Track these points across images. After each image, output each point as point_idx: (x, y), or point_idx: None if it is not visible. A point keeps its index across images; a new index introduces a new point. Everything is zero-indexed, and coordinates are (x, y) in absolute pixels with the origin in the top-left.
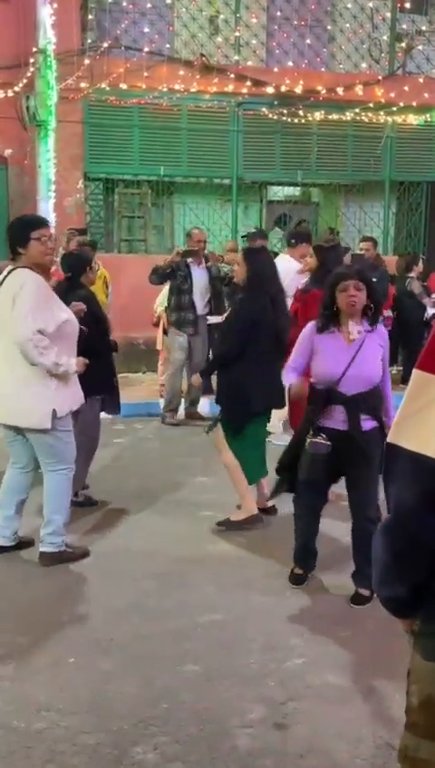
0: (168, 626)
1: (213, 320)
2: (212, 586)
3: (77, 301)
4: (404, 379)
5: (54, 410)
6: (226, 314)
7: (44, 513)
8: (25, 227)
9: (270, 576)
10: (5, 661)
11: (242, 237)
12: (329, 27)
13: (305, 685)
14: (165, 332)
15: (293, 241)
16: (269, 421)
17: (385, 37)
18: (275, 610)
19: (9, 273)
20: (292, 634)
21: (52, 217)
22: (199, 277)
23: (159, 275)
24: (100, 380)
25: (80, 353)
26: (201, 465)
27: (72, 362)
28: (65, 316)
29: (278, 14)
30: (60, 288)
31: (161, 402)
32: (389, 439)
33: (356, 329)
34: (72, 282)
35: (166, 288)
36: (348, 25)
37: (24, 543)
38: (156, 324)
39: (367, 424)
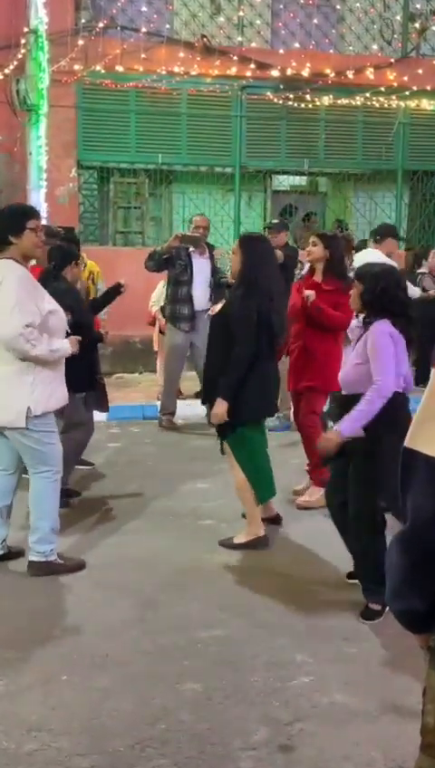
0: (166, 641)
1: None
2: (213, 600)
3: (53, 293)
4: (418, 380)
5: (29, 408)
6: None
7: (30, 520)
8: (21, 216)
9: (274, 589)
10: None
11: (263, 229)
12: (338, 6)
13: (312, 704)
14: (161, 332)
15: (378, 237)
16: (263, 429)
17: (398, 17)
18: (280, 626)
19: None
20: (297, 651)
21: (43, 208)
22: (201, 268)
23: (155, 261)
24: (80, 377)
25: None
26: (201, 471)
27: (66, 343)
28: (50, 307)
29: None
30: (40, 280)
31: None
32: (406, 443)
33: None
34: (55, 274)
35: (160, 284)
36: (358, 5)
37: (13, 553)
38: (151, 324)
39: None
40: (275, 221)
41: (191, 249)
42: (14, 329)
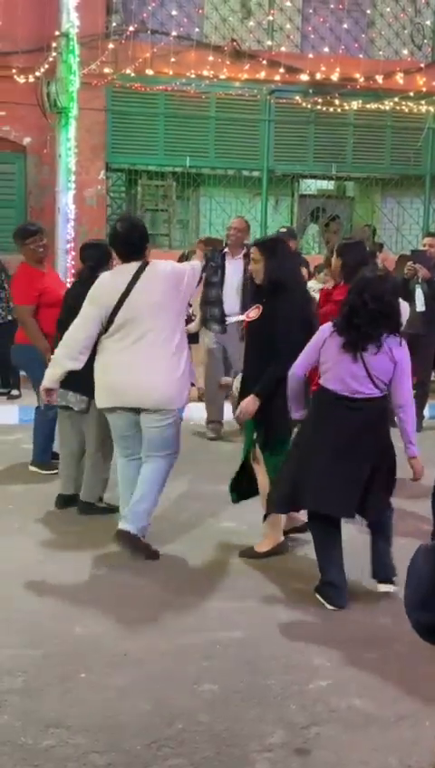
0: (184, 642)
1: (232, 319)
2: (232, 601)
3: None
4: None
5: (186, 390)
6: (249, 317)
7: (137, 496)
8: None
9: (293, 593)
10: (14, 674)
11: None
12: (368, 11)
13: (329, 708)
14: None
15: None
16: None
17: (428, 22)
18: (299, 629)
19: (144, 266)
20: (316, 655)
21: (71, 210)
22: (233, 271)
23: None
24: None
25: None
26: (224, 474)
27: None
28: None
29: None
30: (79, 280)
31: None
32: None
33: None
34: (93, 272)
35: None
36: (389, 9)
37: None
38: None
39: None
40: (283, 229)
41: (226, 250)
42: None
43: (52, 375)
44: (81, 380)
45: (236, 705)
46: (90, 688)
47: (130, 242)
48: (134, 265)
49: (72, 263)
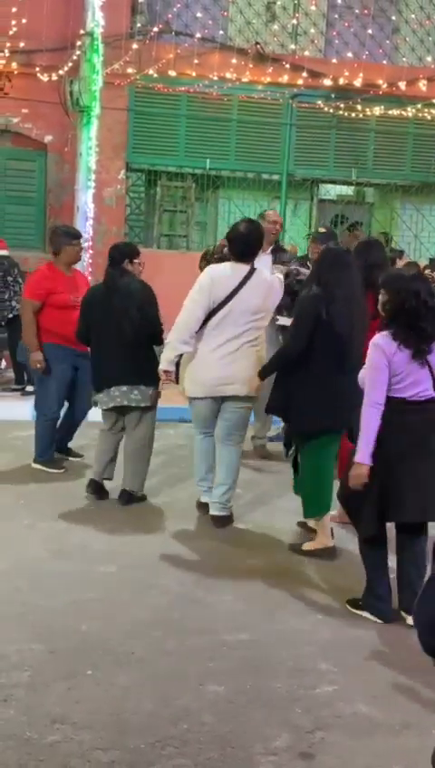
0: (191, 643)
1: (283, 321)
2: (241, 603)
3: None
4: None
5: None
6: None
7: (219, 479)
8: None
9: (301, 597)
10: (21, 669)
11: (306, 236)
12: (393, 17)
13: (335, 714)
14: None
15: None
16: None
17: None
18: (306, 634)
19: (253, 270)
20: (322, 660)
21: (91, 209)
22: (263, 265)
23: (208, 262)
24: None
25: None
26: (240, 480)
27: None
28: None
29: (339, 1)
30: (107, 280)
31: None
32: None
33: None
34: (115, 272)
35: None
36: (414, 16)
37: None
38: None
39: None
40: (323, 230)
41: None
42: None
43: (167, 358)
44: (145, 374)
45: (241, 707)
46: (96, 685)
47: (248, 243)
48: (245, 267)
49: (90, 261)
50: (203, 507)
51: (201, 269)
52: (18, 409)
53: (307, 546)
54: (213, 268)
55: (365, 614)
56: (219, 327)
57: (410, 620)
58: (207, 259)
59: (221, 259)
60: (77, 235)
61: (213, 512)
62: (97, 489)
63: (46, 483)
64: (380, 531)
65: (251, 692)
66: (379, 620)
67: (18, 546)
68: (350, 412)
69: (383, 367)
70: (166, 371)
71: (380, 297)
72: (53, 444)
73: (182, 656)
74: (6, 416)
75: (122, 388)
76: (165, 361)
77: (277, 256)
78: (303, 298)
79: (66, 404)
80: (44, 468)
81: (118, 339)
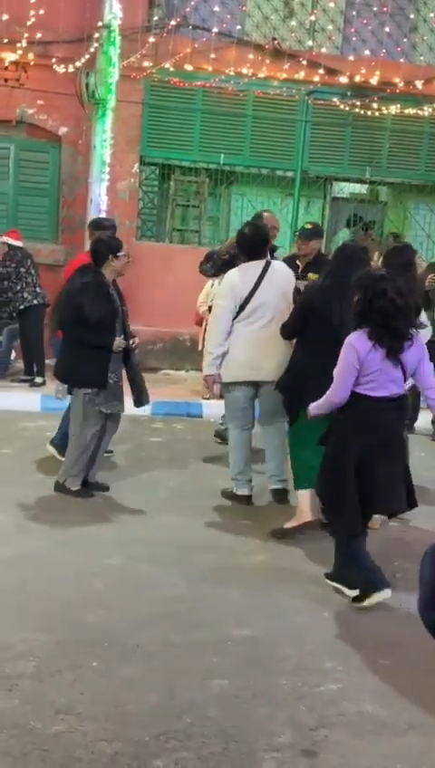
0: (197, 637)
1: None
2: (246, 599)
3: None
4: None
5: None
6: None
7: (271, 457)
8: None
9: (308, 594)
10: (26, 659)
11: (293, 233)
12: (412, 16)
13: (339, 712)
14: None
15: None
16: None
17: None
18: (311, 631)
19: (268, 264)
20: (328, 657)
21: (104, 201)
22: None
23: (213, 264)
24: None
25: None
26: None
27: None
28: None
29: None
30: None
31: (204, 404)
32: None
33: None
34: (87, 269)
35: (208, 284)
36: (432, 15)
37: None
38: (199, 323)
39: None
40: (309, 225)
41: None
42: None
43: (207, 364)
44: (62, 369)
45: (245, 702)
46: (100, 677)
47: (256, 243)
48: (260, 263)
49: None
50: (239, 498)
51: (203, 271)
52: (27, 400)
53: (287, 525)
54: (231, 273)
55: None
56: (253, 317)
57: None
58: (213, 259)
59: (231, 260)
60: (108, 227)
61: (272, 486)
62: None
63: (53, 473)
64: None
65: (256, 688)
66: (383, 590)
67: (24, 537)
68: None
69: (353, 369)
70: (207, 377)
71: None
72: None
73: (187, 649)
74: (15, 406)
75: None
76: (205, 367)
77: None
78: (305, 289)
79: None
80: (56, 454)
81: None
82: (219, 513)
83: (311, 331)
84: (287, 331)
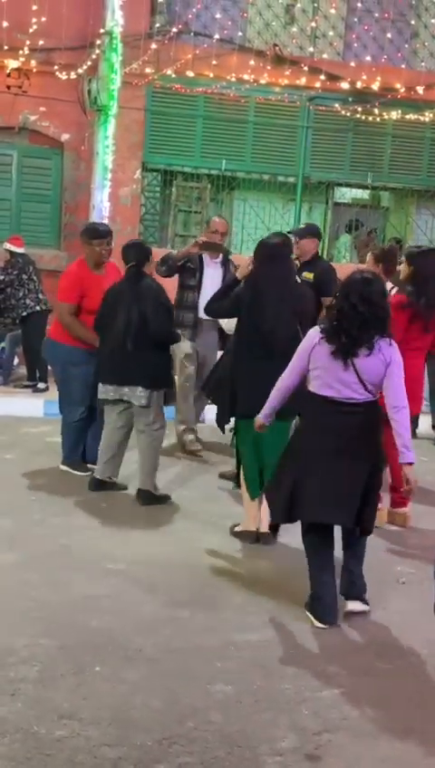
0: (200, 642)
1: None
2: (249, 604)
3: (147, 290)
4: None
5: None
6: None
7: None
8: None
9: None
10: (29, 663)
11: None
12: (413, 22)
13: (342, 716)
14: None
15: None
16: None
17: None
18: (314, 636)
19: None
20: (330, 662)
21: (106, 207)
22: (212, 275)
23: (168, 267)
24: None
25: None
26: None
27: None
28: None
29: (359, 5)
30: (126, 279)
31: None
32: None
33: None
34: (137, 272)
35: None
36: (434, 21)
37: None
38: None
39: None
40: (302, 226)
41: (204, 253)
42: None
43: None
44: (144, 375)
45: (248, 707)
46: (104, 682)
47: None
48: None
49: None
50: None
51: (159, 273)
52: (30, 406)
53: (236, 528)
54: None
55: (307, 614)
56: None
57: (350, 606)
58: (168, 264)
59: (185, 265)
60: (99, 234)
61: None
62: (97, 486)
63: (58, 479)
64: (324, 533)
65: (258, 692)
66: (317, 624)
67: (29, 541)
68: (260, 400)
69: (302, 354)
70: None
71: None
72: (80, 446)
73: (190, 654)
74: (18, 412)
75: (116, 385)
76: None
77: (228, 267)
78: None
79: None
80: (70, 470)
81: (125, 336)
82: (223, 518)
83: (240, 336)
84: (213, 305)
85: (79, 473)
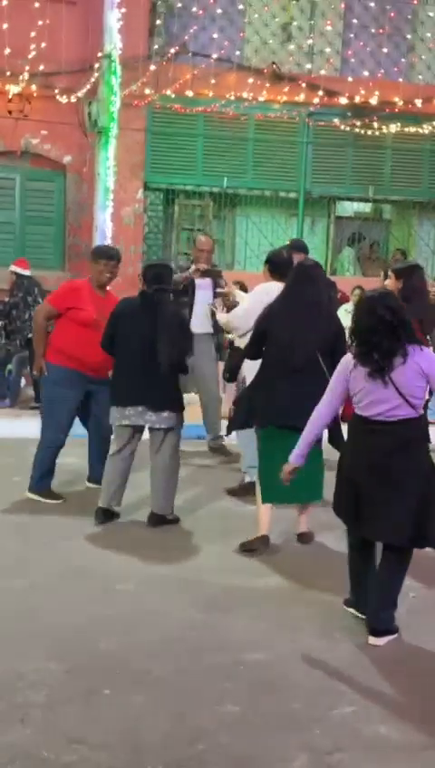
0: (208, 662)
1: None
2: (257, 622)
3: (175, 310)
4: None
5: None
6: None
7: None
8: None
9: (319, 616)
10: (37, 688)
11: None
12: (409, 36)
13: (355, 735)
14: None
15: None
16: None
17: None
18: (324, 653)
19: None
20: (341, 680)
21: (109, 228)
22: (204, 294)
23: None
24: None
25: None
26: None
27: None
28: None
29: (355, 21)
30: (157, 300)
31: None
32: None
33: None
34: (165, 294)
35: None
36: (429, 35)
37: None
38: None
39: None
40: (288, 241)
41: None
42: None
43: None
44: (171, 399)
45: (258, 727)
46: (112, 705)
47: (286, 265)
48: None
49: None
50: (247, 488)
51: None
52: (37, 428)
53: (247, 540)
54: (267, 285)
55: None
56: None
57: (371, 640)
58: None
59: (185, 289)
60: (107, 256)
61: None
62: (106, 517)
63: (65, 501)
64: (365, 544)
65: (269, 712)
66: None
67: (36, 564)
68: (279, 412)
69: (340, 380)
70: None
71: None
72: (51, 473)
73: (199, 675)
74: (26, 433)
75: (139, 408)
76: None
77: (217, 282)
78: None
79: (86, 431)
80: (40, 499)
81: (149, 360)
82: (229, 536)
83: (266, 349)
84: (246, 352)
85: (49, 500)
